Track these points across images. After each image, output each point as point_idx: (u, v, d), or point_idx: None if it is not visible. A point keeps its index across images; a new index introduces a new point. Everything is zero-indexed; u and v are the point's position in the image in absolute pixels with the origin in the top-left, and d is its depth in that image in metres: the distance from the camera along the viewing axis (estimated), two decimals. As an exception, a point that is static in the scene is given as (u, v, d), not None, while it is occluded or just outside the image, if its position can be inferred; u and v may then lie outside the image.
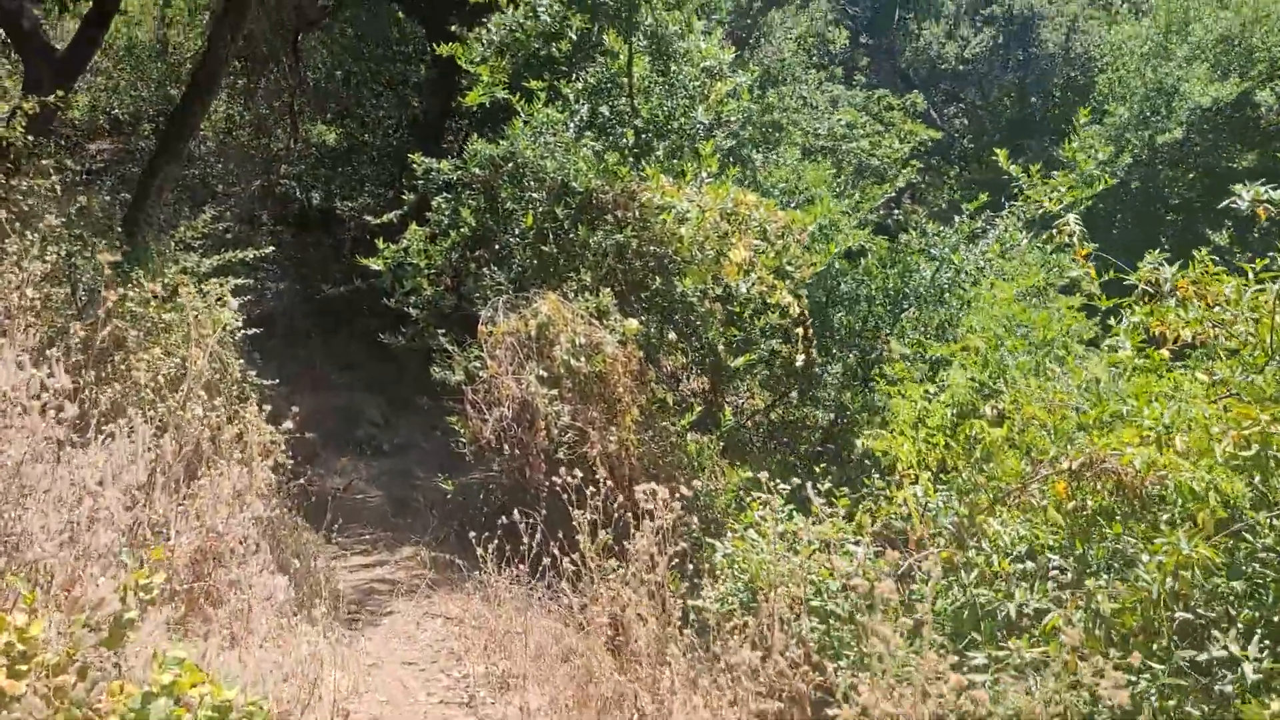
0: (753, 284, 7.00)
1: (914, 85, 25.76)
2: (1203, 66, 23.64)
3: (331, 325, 15.94)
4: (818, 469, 8.30)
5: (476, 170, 9.03)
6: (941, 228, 9.23)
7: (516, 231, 8.64)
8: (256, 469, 4.81)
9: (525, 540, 6.18)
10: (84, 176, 15.39)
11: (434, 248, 9.07)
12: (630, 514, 5.40)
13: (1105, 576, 4.45)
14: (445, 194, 9.21)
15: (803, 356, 7.27)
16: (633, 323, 6.98)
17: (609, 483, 5.30)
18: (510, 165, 8.71)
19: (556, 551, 5.60)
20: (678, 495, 5.15)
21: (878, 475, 6.10)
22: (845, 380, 9.07)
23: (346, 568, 7.48)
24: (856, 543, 4.93)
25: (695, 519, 4.89)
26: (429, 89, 17.82)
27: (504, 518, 5.93)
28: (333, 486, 12.38)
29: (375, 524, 10.27)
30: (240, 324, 8.75)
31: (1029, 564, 4.57)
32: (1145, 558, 4.02)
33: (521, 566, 6.15)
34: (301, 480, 9.47)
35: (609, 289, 6.96)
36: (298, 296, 16.44)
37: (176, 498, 3.87)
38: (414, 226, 9.00)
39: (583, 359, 6.62)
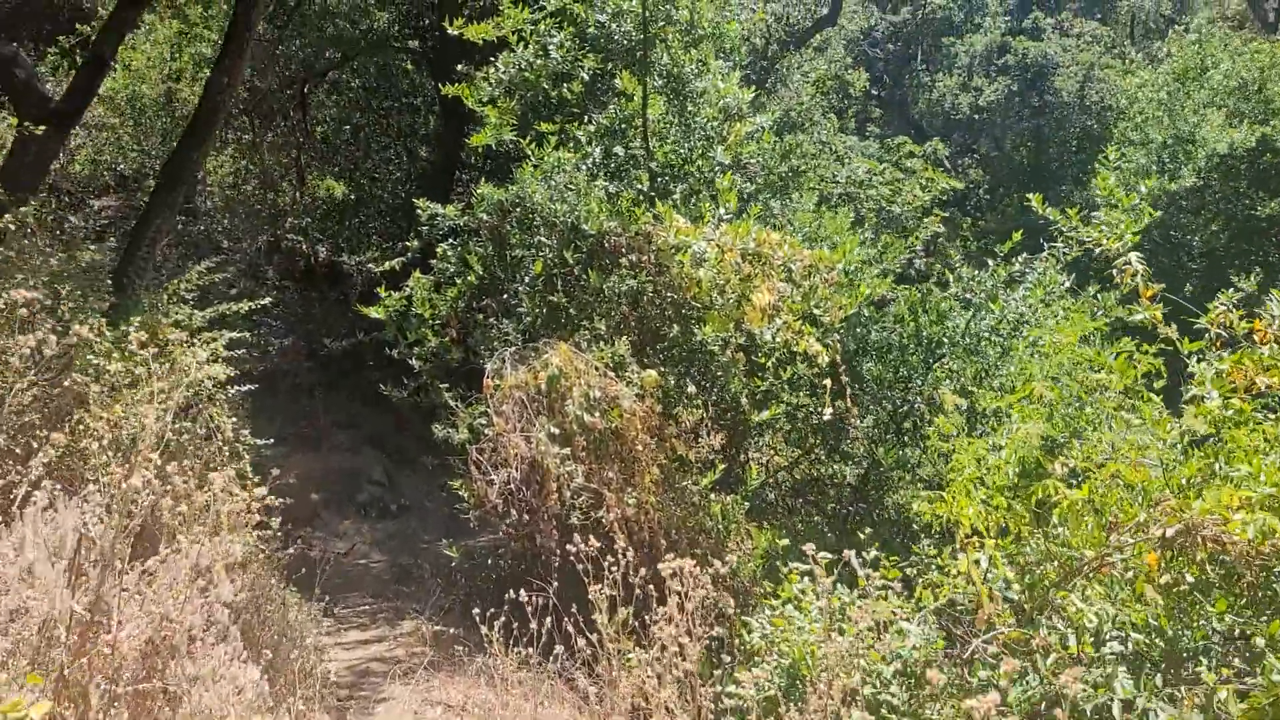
0: (777, 330, 6.46)
1: (928, 137, 25.51)
2: (1219, 113, 23.30)
3: (335, 381, 15.44)
4: (860, 534, 7.69)
5: (483, 216, 8.58)
6: (976, 272, 8.70)
7: (526, 280, 8.15)
8: (225, 542, 4.23)
9: (534, 617, 5.61)
10: (86, 233, 15.06)
11: (439, 297, 8.59)
12: (653, 586, 4.81)
13: (1204, 662, 3.83)
14: (451, 241, 8.76)
15: (830, 409, 6.69)
16: (651, 374, 6.43)
17: (628, 552, 4.71)
18: (519, 210, 8.26)
19: (571, 629, 5.01)
20: (708, 570, 4.56)
21: (927, 541, 5.49)
22: (877, 434, 8.48)
23: (342, 644, 6.86)
24: (912, 621, 4.32)
25: (730, 598, 4.29)
26: (437, 141, 17.56)
27: (511, 591, 5.34)
28: (334, 551, 11.77)
29: (377, 593, 9.64)
30: (230, 378, 8.25)
31: (1115, 647, 3.95)
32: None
33: (531, 648, 5.56)
34: (292, 548, 8.91)
35: (625, 338, 6.43)
36: (301, 352, 15.99)
37: (120, 581, 3.30)
38: (417, 274, 8.53)
39: (597, 414, 6.07)
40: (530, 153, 8.60)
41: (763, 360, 7.13)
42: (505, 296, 8.54)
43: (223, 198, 18.75)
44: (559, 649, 5.33)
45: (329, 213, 16.21)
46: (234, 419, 8.20)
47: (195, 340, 8.74)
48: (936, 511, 4.35)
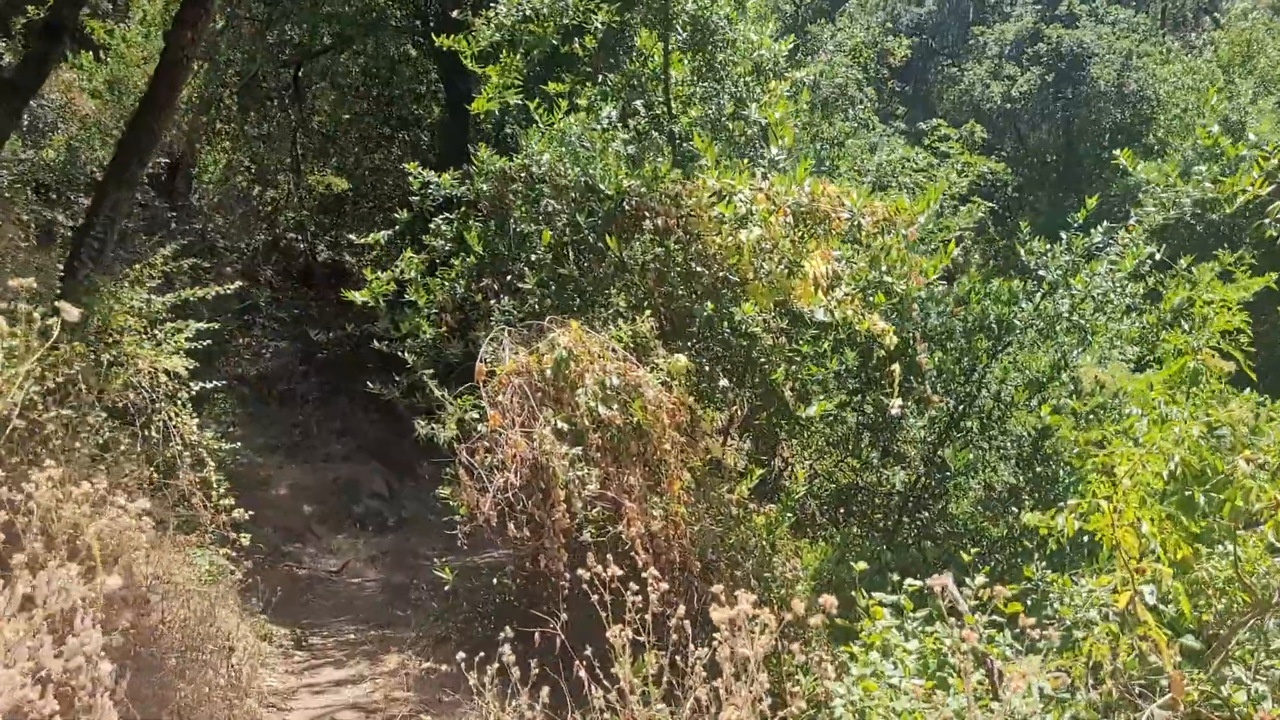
0: (836, 305, 5.32)
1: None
2: (1270, 100, 22.00)
3: (332, 386, 14.37)
4: (918, 550, 6.53)
5: (483, 187, 7.49)
6: (1049, 246, 7.53)
7: (532, 258, 7.05)
8: (100, 573, 3.12)
9: (537, 662, 4.51)
10: (66, 230, 14.07)
11: (434, 280, 7.50)
12: (687, 621, 3.68)
13: None
14: (446, 215, 7.67)
15: (898, 402, 5.54)
16: (680, 359, 5.31)
17: (655, 575, 3.58)
18: (524, 178, 7.16)
19: (584, 675, 3.90)
20: (759, 606, 3.42)
21: (1042, 563, 4.33)
22: (936, 434, 7.31)
23: (311, 686, 5.74)
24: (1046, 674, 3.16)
25: (798, 649, 3.14)
26: (442, 131, 16.52)
27: (509, 628, 4.25)
28: (325, 569, 10.67)
29: (367, 617, 8.53)
30: (187, 370, 7.17)
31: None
32: None
33: (535, 702, 4.45)
34: (249, 565, 7.81)
35: (648, 315, 5.31)
36: (297, 355, 14.94)
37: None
38: (409, 254, 7.44)
39: (615, 406, 4.94)
40: (539, 119, 7.50)
41: (809, 345, 5.99)
42: (509, 278, 7.44)
43: (217, 193, 17.77)
44: (570, 698, 4.23)
45: (325, 206, 15.17)
46: (195, 418, 7.13)
47: (156, 331, 7.69)
48: (1089, 525, 3.18)
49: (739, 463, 5.38)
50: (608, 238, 5.68)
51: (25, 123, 15.12)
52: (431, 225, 7.73)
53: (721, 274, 5.91)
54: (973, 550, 5.79)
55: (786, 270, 5.28)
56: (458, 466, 4.84)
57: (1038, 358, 7.50)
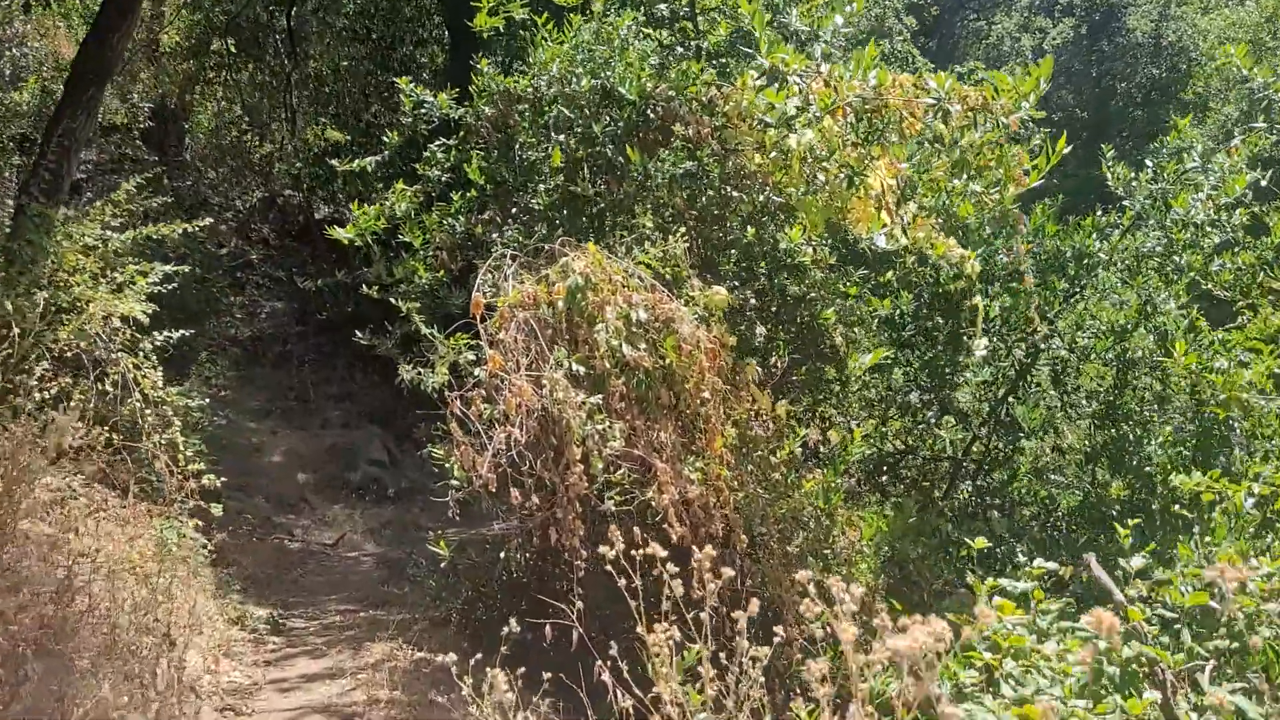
0: (903, 228, 4.38)
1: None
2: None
3: (329, 349, 13.50)
4: (989, 524, 5.65)
5: (486, 109, 6.57)
6: (1131, 173, 6.55)
7: (540, 187, 6.13)
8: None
9: (552, 653, 3.69)
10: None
11: (430, 217, 6.59)
12: (726, 607, 2.80)
13: None
14: (442, 141, 6.75)
15: (983, 344, 4.62)
16: (720, 291, 4.39)
17: (709, 557, 2.68)
18: (531, 97, 6.23)
19: (608, 678, 3.05)
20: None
21: (1205, 535, 3.42)
22: (1009, 386, 6.37)
23: (280, 684, 4.88)
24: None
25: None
26: (447, 77, 15.53)
27: (515, 617, 3.40)
28: (319, 542, 9.84)
29: (360, 596, 7.69)
30: (147, 316, 6.29)
31: None
32: None
33: (547, 703, 3.60)
34: (223, 537, 6.99)
35: (680, 235, 4.39)
36: (293, 316, 14.07)
37: None
38: (400, 186, 6.53)
39: (642, 346, 4.03)
40: (548, 35, 6.55)
41: (862, 282, 5.06)
42: (514, 210, 6.53)
43: (210, 147, 16.85)
44: (588, 707, 3.39)
45: (322, 157, 14.22)
46: (156, 369, 6.24)
47: (115, 273, 6.81)
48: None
49: (788, 416, 4.46)
50: (629, 150, 4.73)
51: (7, 72, 14.26)
52: (427, 152, 6.82)
53: (762, 196, 4.98)
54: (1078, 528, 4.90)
55: (847, 181, 4.33)
56: (449, 418, 3.94)
57: (1115, 306, 6.58)
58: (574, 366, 3.92)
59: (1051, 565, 2.76)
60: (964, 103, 4.08)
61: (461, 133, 6.79)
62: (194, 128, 16.88)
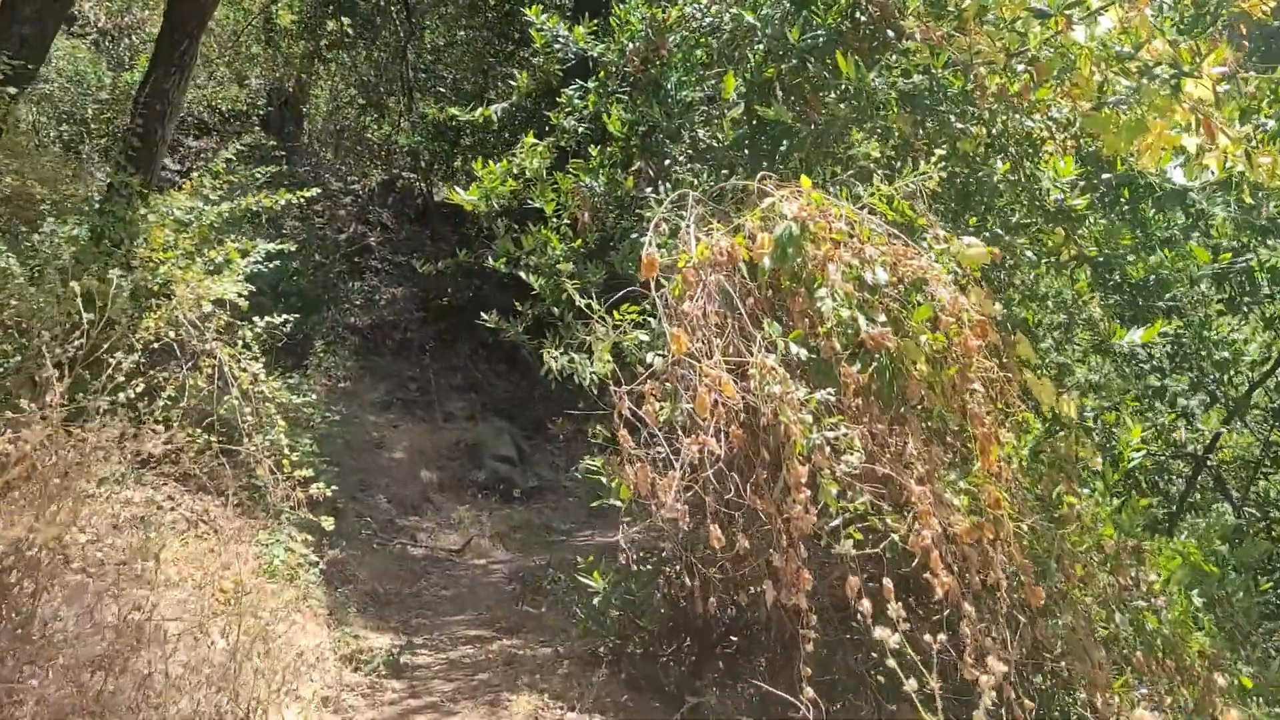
0: (1245, 154, 3.06)
1: None
2: None
3: (450, 336, 12.68)
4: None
5: (628, 44, 5.48)
6: None
7: (698, 129, 5.00)
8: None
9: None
10: (178, 176, 12.78)
11: (563, 177, 5.54)
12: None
13: None
14: (579, 84, 5.70)
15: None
16: (975, 244, 3.15)
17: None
18: (687, 25, 5.10)
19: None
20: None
21: None
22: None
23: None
24: None
25: None
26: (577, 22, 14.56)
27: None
28: (444, 548, 8.98)
29: (492, 616, 6.73)
30: (241, 295, 5.42)
31: None
32: None
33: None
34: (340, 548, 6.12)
35: (918, 172, 3.17)
36: (414, 302, 13.31)
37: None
38: (529, 138, 5.49)
39: (881, 319, 2.85)
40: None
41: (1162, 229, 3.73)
42: (667, 162, 5.41)
43: (327, 130, 16.35)
44: None
45: (440, 132, 13.45)
46: (259, 361, 5.37)
47: (214, 251, 5.98)
48: None
49: (1074, 413, 3.19)
50: (839, 58, 3.52)
51: (127, 59, 13.97)
52: (562, 98, 5.76)
53: (1012, 120, 3.70)
54: None
55: (1165, 86, 3.03)
56: (616, 422, 2.83)
57: None
58: (791, 349, 2.75)
59: None
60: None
61: (600, 73, 5.72)
62: (311, 112, 16.42)
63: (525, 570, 8.05)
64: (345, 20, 14.71)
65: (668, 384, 2.83)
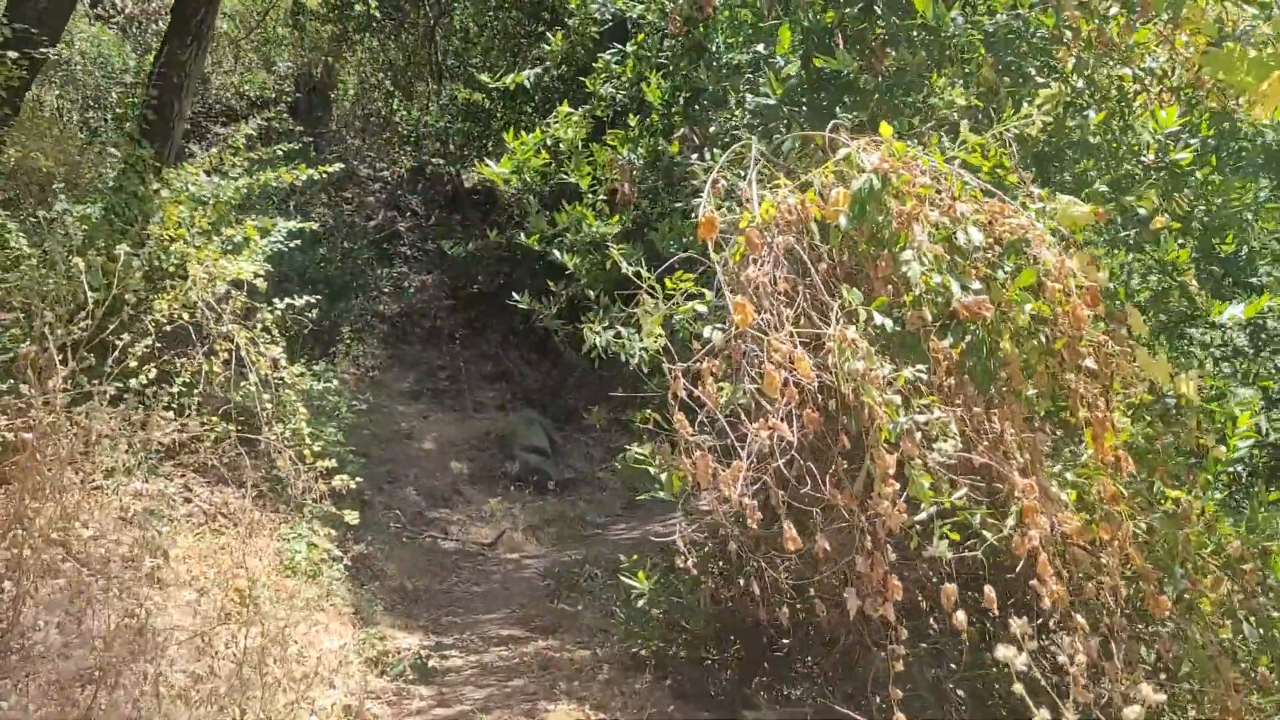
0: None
1: None
2: None
3: (480, 324, 12.36)
4: None
5: (671, 3, 5.15)
6: None
7: (745, 92, 4.61)
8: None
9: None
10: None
11: (599, 149, 5.19)
12: None
13: None
14: (619, 47, 5.36)
15: None
16: (1077, 204, 2.76)
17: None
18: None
19: None
20: None
21: None
22: None
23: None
24: None
25: None
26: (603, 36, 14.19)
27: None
28: (476, 541, 8.67)
29: (526, 614, 6.40)
30: (258, 275, 5.11)
31: None
32: None
33: None
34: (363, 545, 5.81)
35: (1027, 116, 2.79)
36: (443, 289, 13.01)
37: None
38: (564, 107, 5.15)
39: (975, 285, 2.46)
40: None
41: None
42: (713, 129, 5.04)
43: (354, 115, 16.09)
44: None
45: (469, 113, 13.13)
46: (278, 347, 5.05)
47: (232, 230, 5.68)
48: None
49: (1194, 394, 2.79)
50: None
51: (154, 45, 13.76)
52: (598, 63, 5.41)
53: (1105, 66, 3.29)
54: None
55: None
56: (671, 404, 2.46)
57: None
58: (876, 319, 2.37)
59: None
60: None
61: (639, 36, 5.36)
62: (339, 98, 16.18)
63: (560, 565, 7.72)
64: (373, 2, 14.43)
65: (730, 359, 2.46)
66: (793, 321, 2.44)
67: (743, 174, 2.81)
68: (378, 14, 14.65)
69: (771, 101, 3.60)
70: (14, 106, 5.75)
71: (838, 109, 3.57)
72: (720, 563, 4.49)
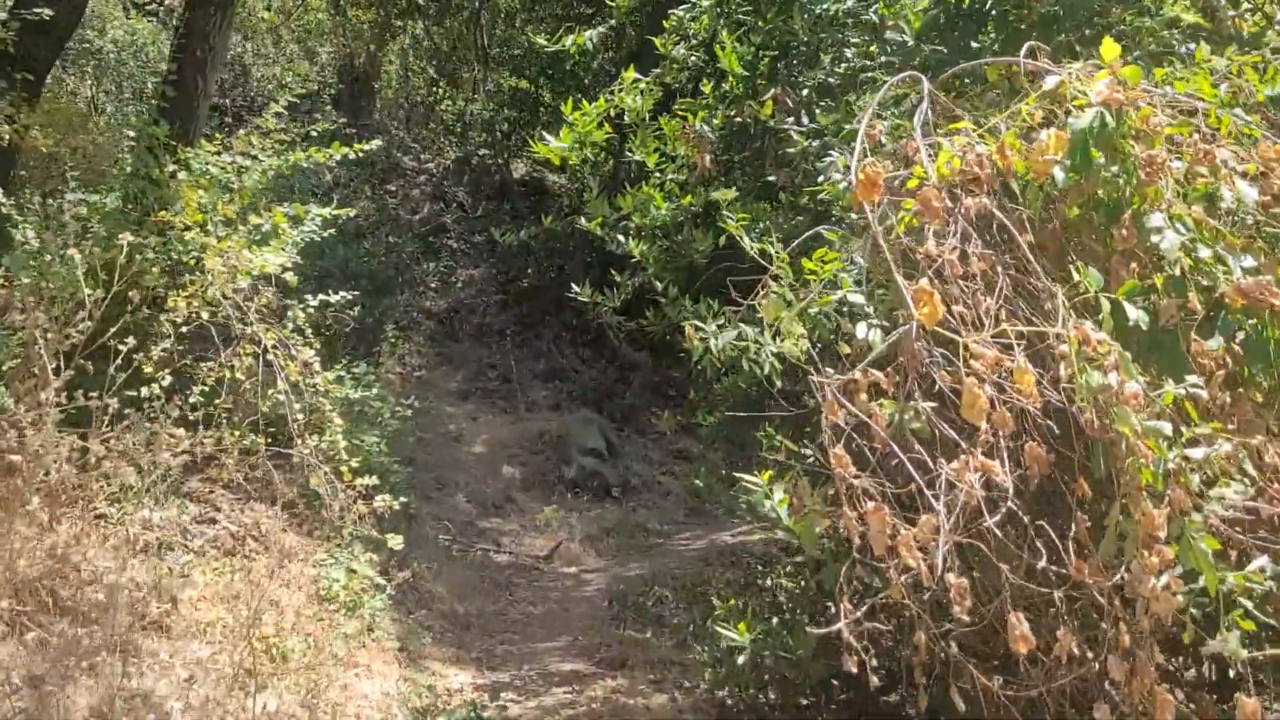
0: None
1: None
2: None
3: (532, 320, 11.74)
4: None
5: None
6: None
7: (845, 47, 3.91)
8: None
9: None
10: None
11: (669, 122, 4.53)
12: None
13: None
14: (688, 7, 4.69)
15: None
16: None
17: None
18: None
19: None
20: None
21: None
22: None
23: None
24: None
25: None
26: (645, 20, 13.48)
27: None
28: (531, 555, 8.04)
29: (589, 643, 5.76)
30: (286, 269, 4.49)
31: None
32: None
33: None
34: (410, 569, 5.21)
35: None
36: (492, 284, 12.41)
37: None
38: (630, 72, 4.49)
39: (1247, 262, 1.71)
40: None
41: None
42: (805, 92, 4.34)
43: (398, 106, 15.59)
44: None
45: (515, 99, 12.52)
46: (310, 345, 4.45)
47: (260, 218, 5.09)
48: None
49: None
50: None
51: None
52: (666, 23, 4.74)
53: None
54: None
55: None
56: (824, 432, 1.77)
57: None
58: (1130, 313, 1.66)
59: None
60: None
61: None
62: (383, 89, 15.70)
63: (623, 582, 7.06)
64: (414, -12, 13.91)
65: (905, 369, 1.76)
66: (995, 316, 1.74)
67: (898, 121, 2.11)
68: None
69: (907, 39, 2.89)
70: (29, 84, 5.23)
71: (985, 50, 2.85)
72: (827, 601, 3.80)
